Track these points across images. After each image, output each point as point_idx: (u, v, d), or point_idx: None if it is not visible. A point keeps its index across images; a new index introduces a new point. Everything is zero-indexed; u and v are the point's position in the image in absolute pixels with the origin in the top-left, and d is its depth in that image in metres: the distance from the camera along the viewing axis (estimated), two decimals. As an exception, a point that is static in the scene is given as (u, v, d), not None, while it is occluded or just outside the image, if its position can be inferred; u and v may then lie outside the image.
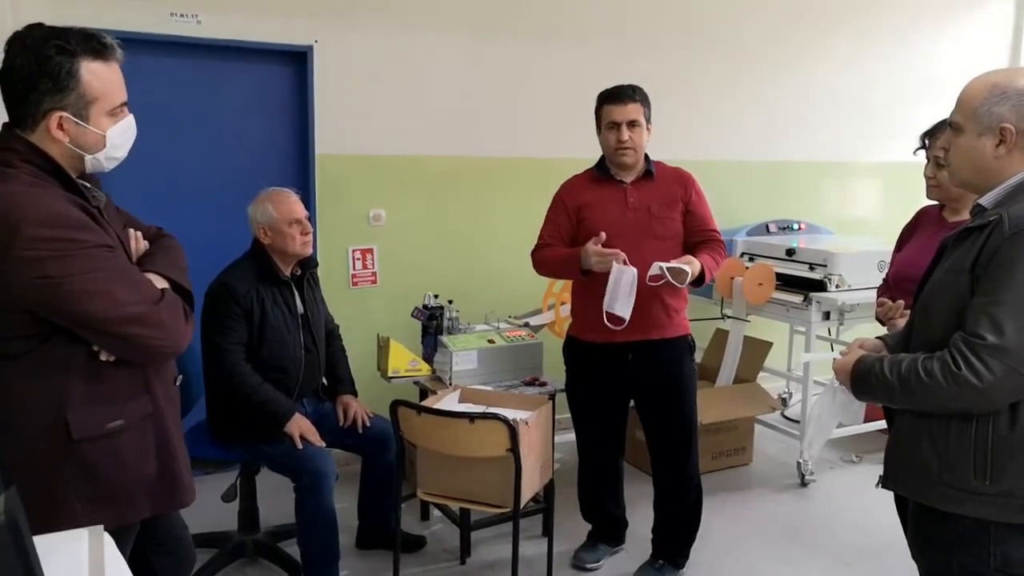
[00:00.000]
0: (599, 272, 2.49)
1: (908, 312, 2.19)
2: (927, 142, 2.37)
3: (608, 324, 2.49)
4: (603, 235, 2.49)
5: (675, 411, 2.70)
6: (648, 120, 2.63)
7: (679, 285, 2.47)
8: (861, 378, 1.54)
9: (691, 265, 2.47)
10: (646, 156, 2.67)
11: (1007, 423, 1.38)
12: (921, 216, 2.57)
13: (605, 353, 2.67)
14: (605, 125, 2.62)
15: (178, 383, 1.68)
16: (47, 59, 1.40)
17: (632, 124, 2.57)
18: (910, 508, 1.56)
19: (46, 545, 1.06)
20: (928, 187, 2.40)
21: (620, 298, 2.46)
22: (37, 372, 1.43)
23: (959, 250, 1.45)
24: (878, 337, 1.74)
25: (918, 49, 5.00)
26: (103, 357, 1.47)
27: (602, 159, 2.72)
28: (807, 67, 4.67)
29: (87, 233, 1.41)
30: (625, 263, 2.45)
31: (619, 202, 2.63)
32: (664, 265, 2.43)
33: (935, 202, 2.51)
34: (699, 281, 2.53)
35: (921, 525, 1.52)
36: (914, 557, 1.58)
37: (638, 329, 2.56)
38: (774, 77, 4.58)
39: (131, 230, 1.63)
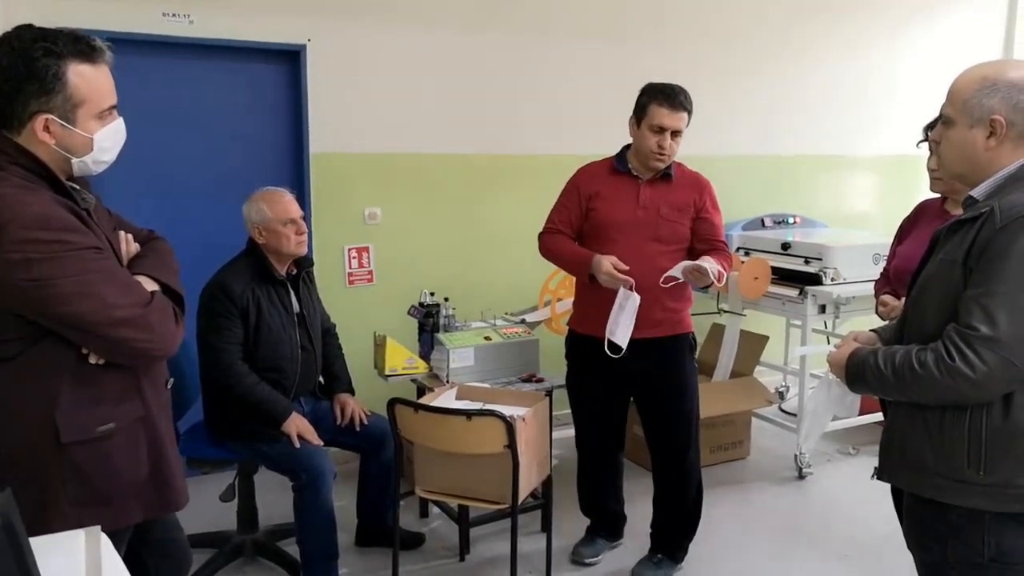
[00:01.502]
0: (604, 286, 2.49)
1: None
2: (929, 134, 2.37)
3: (608, 352, 2.47)
4: (619, 263, 2.47)
5: (673, 411, 2.69)
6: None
7: (697, 286, 2.43)
8: (855, 371, 1.54)
9: (712, 267, 2.42)
10: None
11: (1001, 414, 1.38)
12: (922, 209, 2.57)
13: (601, 347, 2.67)
14: (649, 125, 2.53)
15: (169, 386, 1.67)
16: (34, 61, 1.39)
17: (675, 134, 2.53)
18: (905, 499, 1.57)
19: (43, 546, 1.06)
20: (932, 180, 2.39)
21: (622, 325, 2.45)
22: (26, 375, 1.42)
23: (951, 242, 1.46)
24: (872, 329, 1.74)
25: (912, 42, 5.01)
26: (92, 360, 1.46)
27: (623, 150, 2.67)
28: (801, 61, 4.68)
29: (76, 235, 1.41)
30: (632, 289, 2.43)
31: (630, 199, 2.60)
32: (710, 266, 2.38)
33: (936, 195, 2.51)
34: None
35: (916, 516, 1.53)
36: (910, 548, 1.59)
37: (634, 326, 2.56)
38: (768, 71, 4.58)
39: (121, 232, 1.62)
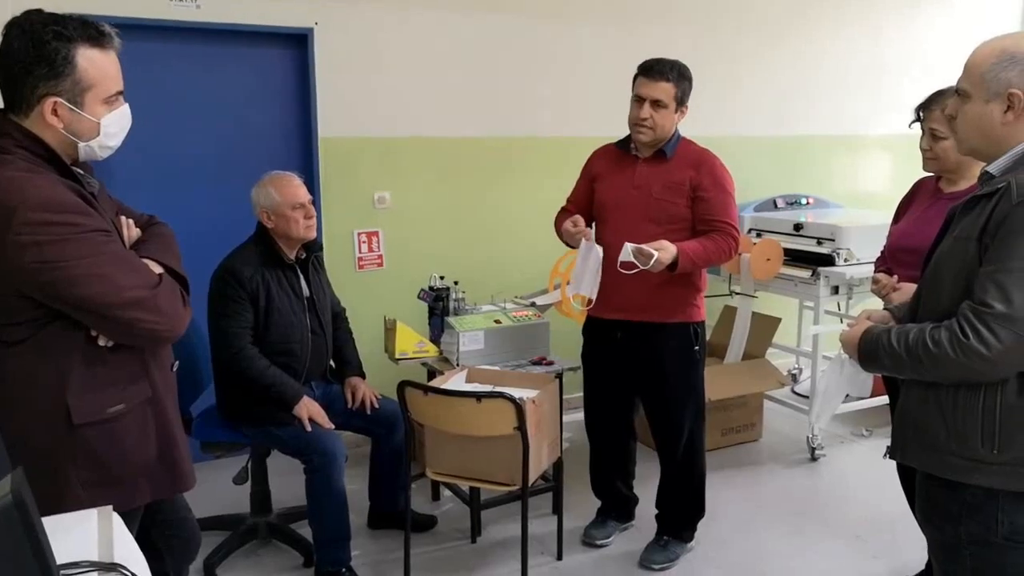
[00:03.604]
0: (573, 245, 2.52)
1: (903, 286, 2.18)
2: (922, 114, 2.35)
3: (576, 305, 2.49)
4: (579, 219, 2.52)
5: (668, 403, 2.66)
6: (681, 102, 2.52)
7: (650, 269, 2.32)
8: (868, 349, 1.52)
9: (662, 251, 2.33)
10: (677, 136, 2.58)
11: (1015, 391, 1.37)
12: (918, 188, 2.55)
13: (597, 329, 2.68)
14: (633, 96, 2.54)
15: (175, 369, 1.68)
16: (44, 44, 1.39)
17: (656, 103, 2.47)
18: (918, 478, 1.56)
19: (55, 525, 1.07)
20: (924, 159, 2.38)
21: (586, 278, 2.46)
22: (37, 358, 1.43)
23: (967, 219, 1.43)
24: (886, 308, 1.72)
25: (928, 21, 4.92)
26: (101, 342, 1.47)
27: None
28: (816, 41, 4.61)
29: (84, 218, 1.41)
30: (590, 240, 2.47)
31: (627, 179, 2.59)
32: (631, 247, 2.31)
33: (931, 174, 2.48)
34: (673, 266, 2.38)
35: (929, 495, 1.52)
36: (922, 527, 1.58)
37: (622, 308, 2.54)
38: (782, 51, 4.52)
39: (123, 217, 1.63)
